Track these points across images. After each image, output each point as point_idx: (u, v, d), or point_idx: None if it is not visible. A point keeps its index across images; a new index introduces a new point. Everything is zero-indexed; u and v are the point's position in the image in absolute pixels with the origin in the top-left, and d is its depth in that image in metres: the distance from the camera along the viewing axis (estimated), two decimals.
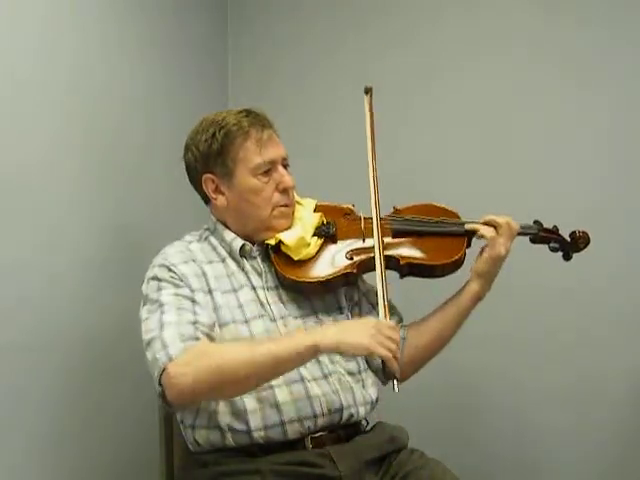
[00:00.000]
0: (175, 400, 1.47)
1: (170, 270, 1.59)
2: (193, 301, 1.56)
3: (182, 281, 1.58)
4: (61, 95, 1.78)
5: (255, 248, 1.67)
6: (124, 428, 1.91)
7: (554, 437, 2.20)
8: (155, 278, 1.59)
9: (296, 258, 1.65)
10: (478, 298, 1.72)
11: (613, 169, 2.19)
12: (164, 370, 1.46)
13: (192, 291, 1.57)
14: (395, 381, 1.45)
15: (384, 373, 1.57)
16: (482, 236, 1.71)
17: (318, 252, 1.68)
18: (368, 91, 1.79)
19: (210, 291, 1.61)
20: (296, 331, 1.59)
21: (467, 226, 1.73)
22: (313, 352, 1.44)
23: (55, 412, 1.72)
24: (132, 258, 1.97)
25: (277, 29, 2.54)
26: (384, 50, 2.41)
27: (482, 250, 1.71)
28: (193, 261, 1.63)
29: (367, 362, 1.70)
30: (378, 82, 2.38)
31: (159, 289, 1.57)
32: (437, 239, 1.72)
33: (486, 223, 1.71)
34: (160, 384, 1.47)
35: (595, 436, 2.17)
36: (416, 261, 1.69)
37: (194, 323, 1.52)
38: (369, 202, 1.69)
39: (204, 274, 1.62)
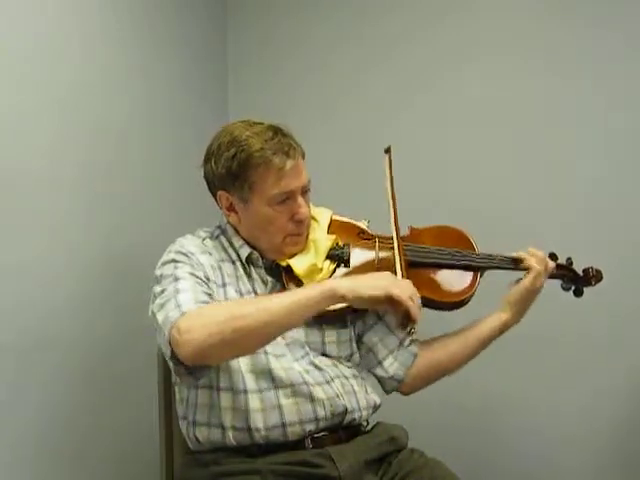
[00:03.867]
0: (188, 356, 1.41)
1: (188, 256, 1.58)
2: (208, 286, 1.55)
3: (198, 266, 1.57)
4: (62, 97, 1.78)
5: (262, 259, 1.65)
6: (124, 428, 1.91)
7: (556, 438, 2.21)
8: (172, 260, 1.58)
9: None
10: (506, 327, 1.73)
11: (613, 167, 2.18)
12: (174, 326, 1.42)
13: (207, 279, 1.57)
14: (414, 326, 1.46)
15: (402, 323, 1.49)
16: (529, 267, 1.72)
17: (330, 277, 1.64)
18: (388, 151, 1.75)
19: (224, 285, 1.60)
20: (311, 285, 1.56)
21: (514, 254, 1.74)
22: (331, 296, 1.43)
23: (55, 412, 1.72)
24: (132, 259, 1.97)
25: (277, 29, 2.53)
26: (385, 50, 2.41)
27: (518, 280, 1.73)
28: (210, 254, 1.62)
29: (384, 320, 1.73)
30: (379, 82, 2.41)
31: (175, 268, 1.56)
32: (450, 273, 1.70)
33: (525, 258, 1.73)
34: (171, 344, 1.43)
35: (599, 441, 2.17)
36: (428, 295, 1.65)
37: (209, 296, 1.52)
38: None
39: (220, 268, 1.62)
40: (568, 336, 2.18)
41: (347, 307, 1.56)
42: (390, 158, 1.73)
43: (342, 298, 1.44)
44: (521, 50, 2.27)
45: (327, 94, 2.47)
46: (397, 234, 1.65)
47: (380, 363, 1.73)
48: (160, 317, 1.47)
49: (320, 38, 2.49)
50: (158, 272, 1.58)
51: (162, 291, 1.52)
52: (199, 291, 1.51)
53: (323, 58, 2.49)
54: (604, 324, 2.16)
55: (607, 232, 2.15)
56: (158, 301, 1.51)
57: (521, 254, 1.75)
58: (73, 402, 1.77)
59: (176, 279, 1.53)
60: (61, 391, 1.74)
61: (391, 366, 1.73)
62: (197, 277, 1.55)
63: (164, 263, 1.59)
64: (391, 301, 1.45)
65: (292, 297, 1.44)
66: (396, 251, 1.62)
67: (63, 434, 1.74)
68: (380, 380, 1.74)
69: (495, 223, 2.15)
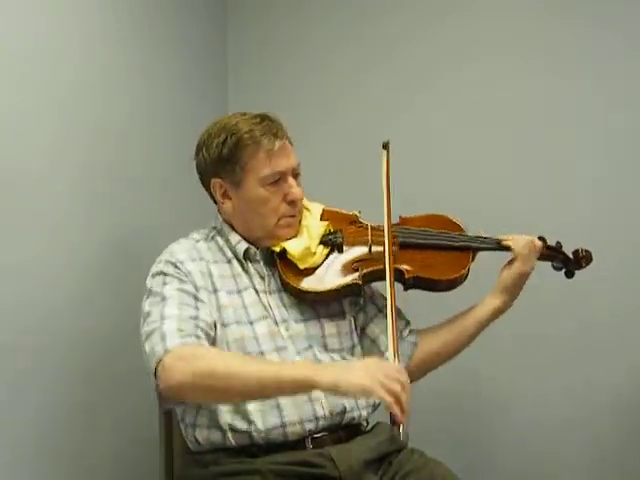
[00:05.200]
0: (165, 392, 1.48)
1: (176, 267, 1.60)
2: (196, 298, 1.56)
3: (187, 277, 1.58)
4: (62, 97, 1.77)
5: (259, 253, 1.67)
6: (124, 428, 1.91)
7: (555, 437, 2.21)
8: (161, 273, 1.59)
9: (301, 267, 1.64)
10: (499, 312, 1.73)
11: (613, 167, 2.18)
12: (160, 361, 1.45)
13: (196, 289, 1.58)
14: (401, 427, 1.33)
15: (390, 419, 1.37)
16: (514, 253, 1.72)
17: (324, 261, 1.67)
18: (386, 146, 1.75)
19: (215, 290, 1.61)
20: (298, 362, 1.56)
21: (504, 242, 1.74)
22: (308, 386, 1.39)
23: (54, 412, 1.71)
24: (131, 259, 1.96)
25: (277, 29, 2.53)
26: (385, 50, 2.41)
27: (508, 265, 1.73)
28: (200, 259, 1.63)
29: None
30: (379, 82, 2.41)
31: (164, 283, 1.57)
32: (443, 253, 1.72)
33: (507, 240, 1.74)
34: (156, 376, 1.47)
35: (598, 438, 2.17)
36: (422, 275, 1.68)
37: (195, 319, 1.52)
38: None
39: (210, 274, 1.62)
40: (567, 335, 2.19)
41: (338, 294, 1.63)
42: (388, 155, 1.74)
43: (320, 388, 1.39)
44: (521, 50, 2.27)
45: (327, 94, 2.47)
46: (390, 273, 1.59)
47: (383, 354, 1.74)
48: (147, 348, 1.50)
49: (320, 38, 2.49)
50: (148, 283, 1.60)
51: (149, 314, 1.54)
52: (185, 317, 1.52)
53: (323, 58, 2.48)
54: (603, 324, 2.16)
55: (607, 232, 2.15)
56: (145, 328, 1.53)
57: (506, 238, 1.74)
58: (73, 402, 1.77)
59: (163, 299, 1.55)
60: (61, 391, 1.73)
61: None
62: (184, 292, 1.56)
63: (153, 275, 1.61)
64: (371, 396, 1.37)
65: (271, 371, 1.42)
66: (389, 319, 1.52)
67: (63, 434, 1.73)
68: None
69: (495, 223, 2.13)
